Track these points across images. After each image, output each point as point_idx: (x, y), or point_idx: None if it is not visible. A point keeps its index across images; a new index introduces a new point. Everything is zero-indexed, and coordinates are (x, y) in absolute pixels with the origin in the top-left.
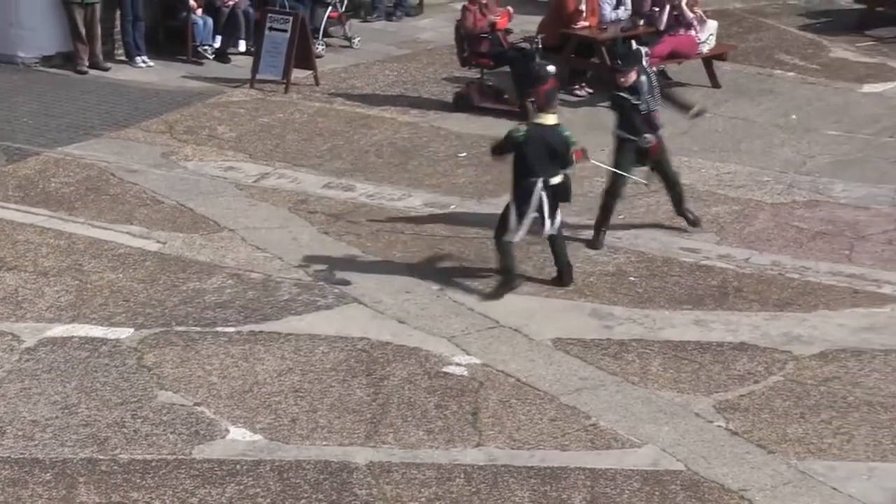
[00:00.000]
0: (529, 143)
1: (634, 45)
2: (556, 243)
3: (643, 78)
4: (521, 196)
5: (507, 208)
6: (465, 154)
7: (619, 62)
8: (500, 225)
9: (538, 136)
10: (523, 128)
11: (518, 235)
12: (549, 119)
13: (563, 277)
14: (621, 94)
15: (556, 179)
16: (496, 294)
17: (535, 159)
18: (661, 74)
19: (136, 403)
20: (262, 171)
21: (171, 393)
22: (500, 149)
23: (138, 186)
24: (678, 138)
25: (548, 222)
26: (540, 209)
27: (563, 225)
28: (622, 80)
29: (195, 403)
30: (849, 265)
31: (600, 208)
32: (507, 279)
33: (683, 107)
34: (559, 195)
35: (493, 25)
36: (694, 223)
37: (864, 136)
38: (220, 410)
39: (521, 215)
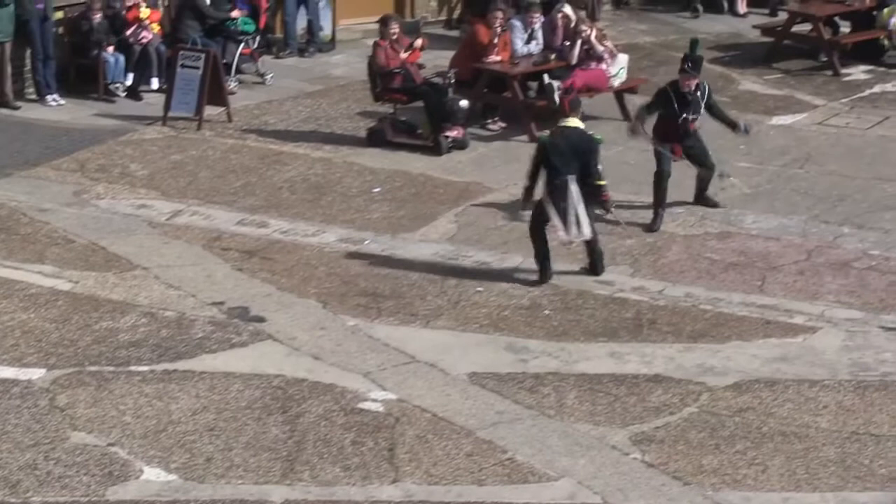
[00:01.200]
0: (554, 144)
1: (547, 78)
2: (592, 243)
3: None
4: (558, 195)
5: (540, 206)
6: (378, 189)
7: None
8: (535, 223)
9: (562, 137)
10: (547, 132)
11: (564, 233)
12: (573, 122)
13: (595, 266)
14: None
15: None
16: (538, 282)
17: (560, 158)
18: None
19: (49, 445)
20: (175, 208)
21: (84, 433)
22: (535, 161)
23: (50, 225)
24: None
25: (584, 224)
26: (575, 208)
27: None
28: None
29: (109, 444)
30: (761, 296)
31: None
32: (542, 268)
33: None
34: (590, 196)
35: (404, 63)
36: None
37: (773, 167)
38: (133, 450)
39: (562, 213)
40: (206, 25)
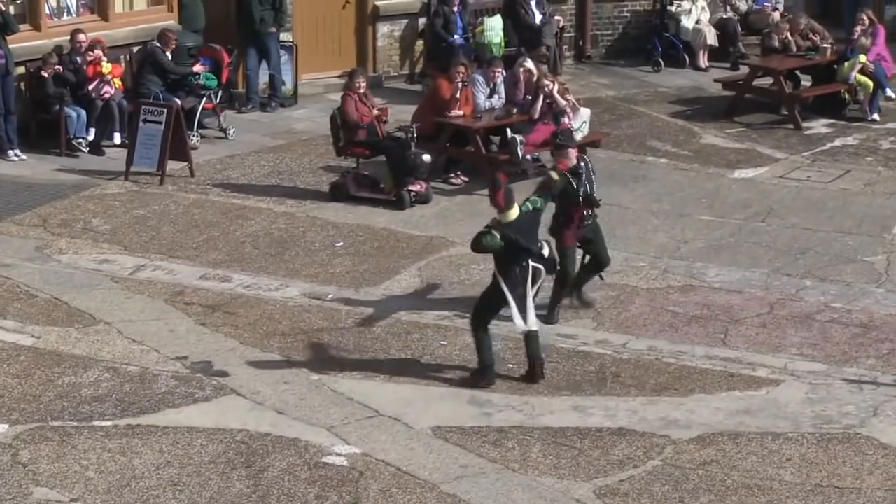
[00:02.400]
0: (509, 239)
1: (509, 133)
2: (531, 337)
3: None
4: (514, 280)
5: (491, 295)
6: (341, 244)
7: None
8: (477, 314)
9: (513, 232)
10: (497, 234)
11: (526, 321)
12: (513, 214)
13: (534, 372)
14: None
15: (544, 251)
16: (472, 384)
17: (520, 244)
18: (536, 161)
19: (12, 501)
20: (137, 263)
21: (46, 489)
22: (483, 250)
23: (11, 280)
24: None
25: (517, 317)
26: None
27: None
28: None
29: (71, 500)
30: (724, 349)
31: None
32: (485, 373)
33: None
34: (537, 276)
35: (378, 118)
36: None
37: (735, 220)
38: None
39: (520, 298)
40: (167, 80)
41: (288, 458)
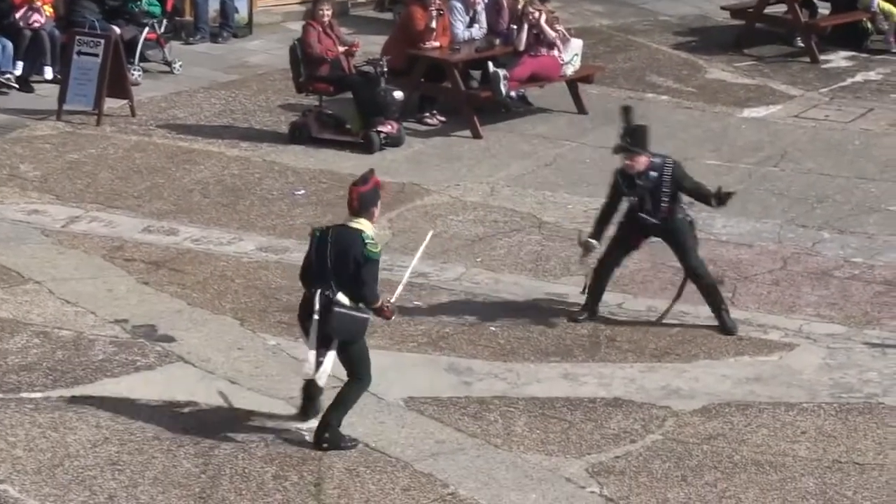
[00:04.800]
0: (320, 244)
1: (491, 67)
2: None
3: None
4: (303, 309)
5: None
6: (302, 192)
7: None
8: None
9: (334, 239)
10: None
11: (307, 369)
12: (358, 224)
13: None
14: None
15: (341, 298)
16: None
17: (319, 264)
18: (522, 100)
19: None
20: (71, 214)
21: None
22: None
23: None
24: (541, 171)
25: (310, 357)
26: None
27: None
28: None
29: None
30: (732, 309)
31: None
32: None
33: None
34: (331, 325)
35: (347, 52)
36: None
37: (745, 165)
38: (26, 488)
39: (305, 332)
40: (105, 7)
41: (242, 433)
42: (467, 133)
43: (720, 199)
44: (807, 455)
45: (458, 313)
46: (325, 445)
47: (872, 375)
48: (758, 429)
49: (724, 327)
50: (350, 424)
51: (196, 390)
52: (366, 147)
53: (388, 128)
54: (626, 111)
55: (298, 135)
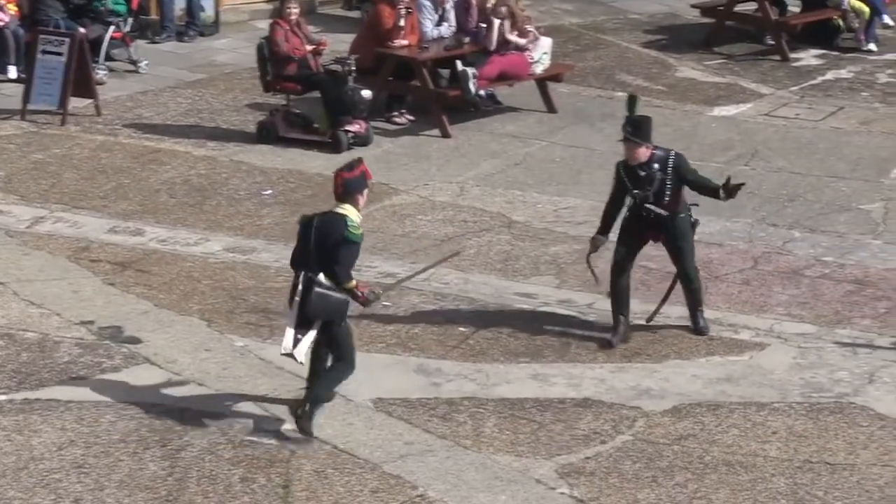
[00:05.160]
0: (305, 229)
1: (460, 65)
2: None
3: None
4: (291, 292)
5: None
6: (270, 192)
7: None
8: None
9: (318, 224)
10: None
11: (284, 343)
12: (343, 210)
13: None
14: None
15: (321, 279)
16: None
17: (303, 248)
18: (491, 98)
19: None
20: (36, 214)
21: None
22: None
23: None
24: (511, 170)
25: (288, 334)
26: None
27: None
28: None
29: None
30: (702, 309)
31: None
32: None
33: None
34: (310, 304)
35: (315, 51)
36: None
37: (716, 164)
38: None
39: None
40: (69, 5)
41: (209, 435)
42: (436, 132)
43: (729, 191)
44: (778, 455)
45: (428, 314)
46: (298, 418)
47: (843, 375)
48: (728, 429)
49: (697, 327)
50: (318, 426)
51: (163, 392)
52: (334, 146)
53: (356, 127)
54: (632, 101)
55: (266, 134)
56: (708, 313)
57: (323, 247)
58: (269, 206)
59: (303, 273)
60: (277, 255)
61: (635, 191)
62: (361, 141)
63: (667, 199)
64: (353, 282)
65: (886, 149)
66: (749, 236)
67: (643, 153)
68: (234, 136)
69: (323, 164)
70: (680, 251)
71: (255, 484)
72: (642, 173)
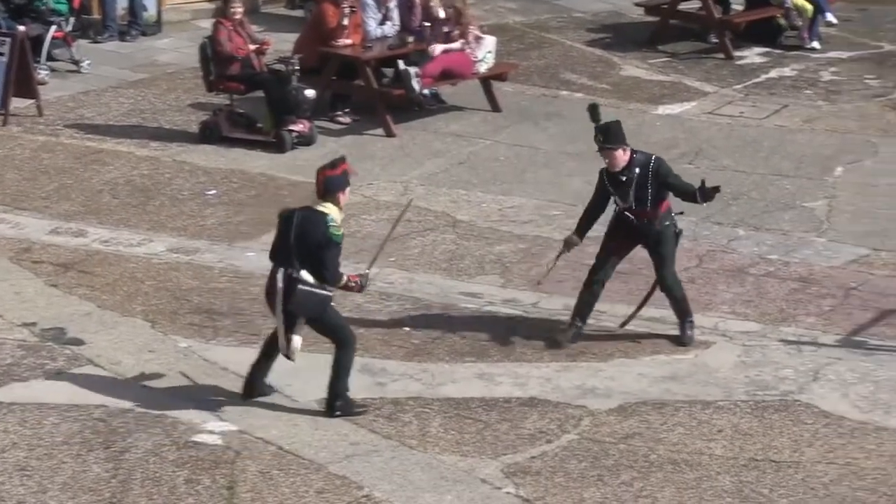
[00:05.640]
0: (286, 225)
1: (402, 65)
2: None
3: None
4: (269, 286)
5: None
6: (214, 192)
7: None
8: None
9: (298, 219)
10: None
11: (280, 346)
12: (324, 208)
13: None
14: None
15: (304, 276)
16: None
17: (283, 244)
18: (435, 97)
19: None
20: None
21: None
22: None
23: None
24: (455, 169)
25: (280, 334)
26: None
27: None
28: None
29: None
30: (647, 308)
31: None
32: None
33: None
34: (295, 302)
35: (258, 50)
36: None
37: None
38: None
39: (271, 308)
40: (10, 5)
41: (153, 437)
42: (380, 132)
43: (705, 194)
44: (723, 453)
45: (372, 314)
46: (337, 413)
47: (788, 373)
48: (674, 427)
49: (682, 338)
50: (262, 427)
51: (106, 394)
52: (277, 146)
53: (299, 127)
54: (593, 110)
55: (209, 134)
56: (653, 311)
57: (303, 244)
58: (212, 207)
59: (282, 271)
60: (221, 256)
61: (616, 196)
62: (305, 140)
63: (649, 203)
64: (344, 278)
65: (830, 146)
66: (694, 234)
67: (621, 157)
68: (176, 136)
69: (266, 164)
70: (661, 258)
71: (200, 485)
72: (623, 178)
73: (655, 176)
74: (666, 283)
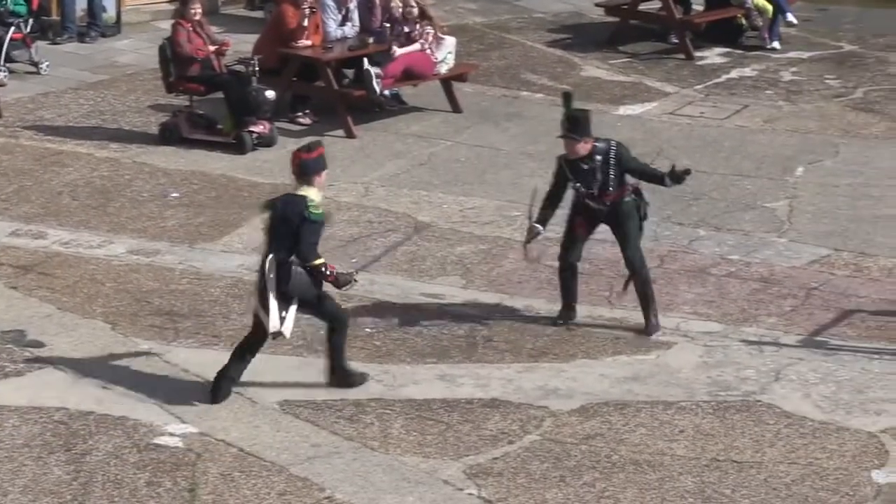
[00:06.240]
0: (272, 212)
1: (367, 64)
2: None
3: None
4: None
5: None
6: (176, 194)
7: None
8: None
9: (283, 207)
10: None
11: (271, 324)
12: (304, 192)
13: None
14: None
15: (293, 259)
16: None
17: (271, 231)
18: (396, 98)
19: None
20: None
21: None
22: None
23: None
24: (416, 170)
25: (272, 312)
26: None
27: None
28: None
29: None
30: (609, 308)
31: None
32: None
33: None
34: (287, 283)
35: (218, 51)
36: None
37: None
38: None
39: (261, 293)
40: None
41: (114, 439)
42: (341, 133)
43: (675, 177)
44: (685, 454)
45: None
46: (347, 385)
47: (749, 373)
48: (636, 428)
49: (647, 328)
50: (224, 429)
51: (67, 396)
52: (238, 147)
53: (260, 128)
54: (567, 97)
55: (169, 135)
56: (615, 312)
57: (285, 227)
58: (173, 208)
59: (271, 256)
60: (181, 258)
61: (577, 183)
62: (266, 142)
63: (611, 190)
64: (320, 259)
65: (791, 147)
66: (655, 235)
67: (583, 148)
68: (136, 138)
69: (227, 166)
70: (625, 235)
71: (161, 488)
72: (585, 167)
73: (618, 163)
74: (632, 262)
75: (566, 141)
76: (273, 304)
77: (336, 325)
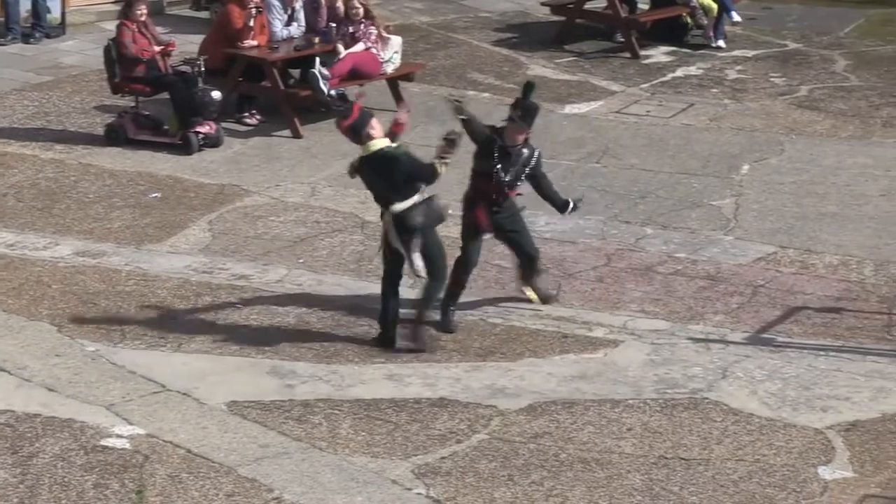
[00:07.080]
0: (363, 173)
1: (318, 64)
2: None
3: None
4: (384, 237)
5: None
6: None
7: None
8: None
9: (368, 167)
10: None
11: (416, 269)
12: (373, 146)
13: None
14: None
15: (398, 207)
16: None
17: (371, 190)
18: (342, 98)
19: None
20: None
21: None
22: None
23: None
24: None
25: (416, 259)
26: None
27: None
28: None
29: None
30: (556, 307)
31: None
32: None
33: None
34: (403, 227)
35: (164, 52)
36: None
37: (567, 162)
38: None
39: (387, 245)
40: None
41: (61, 441)
42: (287, 133)
43: (574, 208)
44: (633, 451)
45: (281, 315)
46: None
47: (697, 371)
48: (584, 426)
49: (543, 296)
50: (171, 430)
51: (13, 398)
52: (184, 148)
53: (206, 128)
54: (529, 87)
55: (115, 136)
56: (562, 311)
57: (388, 181)
58: (119, 209)
59: (386, 212)
60: (128, 259)
61: (500, 167)
62: (212, 142)
63: (518, 185)
64: (438, 168)
65: (736, 145)
66: (602, 233)
67: (521, 137)
68: (82, 139)
69: (173, 166)
70: (523, 234)
71: (109, 490)
72: (510, 153)
73: (535, 166)
74: (532, 258)
75: (512, 126)
76: (414, 254)
77: (435, 279)
